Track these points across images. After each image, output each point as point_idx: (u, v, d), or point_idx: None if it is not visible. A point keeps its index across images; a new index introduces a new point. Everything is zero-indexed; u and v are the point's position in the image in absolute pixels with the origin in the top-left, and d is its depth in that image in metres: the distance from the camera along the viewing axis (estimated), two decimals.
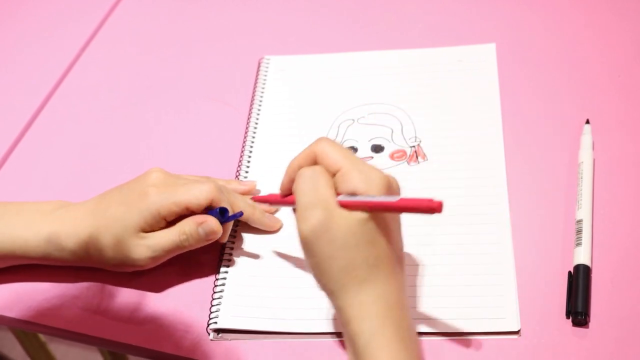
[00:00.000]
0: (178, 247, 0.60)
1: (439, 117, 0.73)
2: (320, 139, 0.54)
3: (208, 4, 0.91)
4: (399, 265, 0.52)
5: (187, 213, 0.59)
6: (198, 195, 0.59)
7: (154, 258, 0.60)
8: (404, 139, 0.71)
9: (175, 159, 0.73)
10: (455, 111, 0.73)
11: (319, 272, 0.51)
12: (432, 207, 0.47)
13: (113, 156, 0.75)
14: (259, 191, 0.67)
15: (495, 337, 0.57)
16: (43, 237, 0.61)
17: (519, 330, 0.56)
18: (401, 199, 0.49)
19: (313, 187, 0.51)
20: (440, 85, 0.76)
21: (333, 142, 0.54)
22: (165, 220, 0.59)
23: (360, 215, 0.50)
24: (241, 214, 0.61)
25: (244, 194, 0.66)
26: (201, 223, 0.59)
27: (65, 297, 0.63)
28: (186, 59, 0.85)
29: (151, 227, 0.59)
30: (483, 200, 0.65)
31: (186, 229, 0.59)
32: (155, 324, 0.61)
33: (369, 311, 0.49)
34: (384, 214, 0.51)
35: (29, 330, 0.94)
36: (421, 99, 0.75)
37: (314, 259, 0.51)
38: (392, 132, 0.72)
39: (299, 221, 0.50)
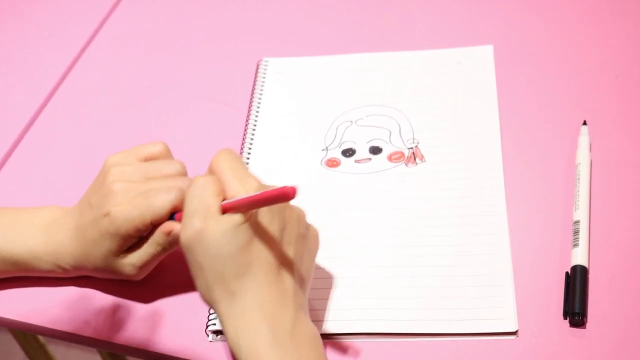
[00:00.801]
0: (158, 256, 0.60)
1: (436, 119, 0.73)
2: (220, 150, 0.55)
3: (207, 6, 0.91)
4: (281, 265, 0.52)
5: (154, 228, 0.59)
6: (160, 211, 0.58)
7: (141, 269, 0.61)
8: (402, 140, 0.71)
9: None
10: (453, 113, 0.73)
11: (196, 280, 0.53)
12: (285, 193, 0.48)
13: None
14: None
15: (493, 337, 0.57)
16: (40, 256, 0.62)
17: (516, 331, 0.57)
18: (262, 192, 0.50)
19: (199, 195, 0.52)
20: (438, 87, 0.76)
21: (229, 153, 0.55)
22: (136, 237, 0.59)
23: (234, 219, 0.50)
24: None
25: None
26: (168, 232, 0.59)
27: (64, 300, 0.63)
28: (185, 61, 0.85)
29: (127, 246, 0.60)
30: (481, 201, 0.65)
31: (158, 240, 0.59)
32: (154, 326, 0.61)
33: (242, 324, 0.51)
34: (259, 220, 0.51)
35: (28, 332, 0.94)
36: (419, 100, 0.75)
37: (192, 268, 0.52)
38: (390, 133, 0.72)
39: (181, 230, 0.52)
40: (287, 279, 0.53)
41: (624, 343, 0.55)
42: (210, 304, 0.53)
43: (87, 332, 0.61)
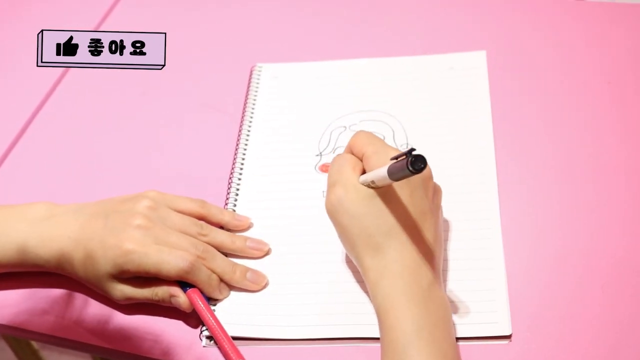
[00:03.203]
0: (150, 301, 0.61)
1: (430, 124, 0.73)
2: (356, 132, 0.61)
3: (200, 12, 0.92)
4: (421, 232, 0.56)
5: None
6: (168, 271, 0.59)
7: (129, 300, 0.61)
8: (396, 145, 0.72)
9: (169, 165, 0.74)
10: (447, 118, 0.74)
11: (342, 240, 0.58)
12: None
13: (107, 163, 0.75)
14: (252, 225, 0.67)
15: (487, 342, 0.57)
16: (31, 254, 0.61)
17: (510, 335, 0.57)
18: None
19: (337, 170, 0.58)
20: (432, 92, 0.76)
21: (365, 133, 0.60)
22: (134, 274, 0.60)
23: (369, 191, 0.56)
24: (207, 299, 0.61)
25: (236, 229, 0.66)
26: (173, 295, 0.60)
27: (56, 305, 0.63)
28: (179, 66, 0.85)
29: (123, 276, 0.60)
30: (474, 206, 0.65)
31: (159, 293, 0.60)
32: (147, 331, 0.61)
33: (383, 275, 0.55)
34: (397, 188, 0.56)
35: (19, 337, 0.94)
36: (413, 105, 0.75)
37: (337, 229, 0.58)
38: (384, 138, 0.72)
39: (325, 198, 0.59)
40: (428, 242, 0.56)
41: (621, 347, 0.55)
42: (355, 258, 0.57)
43: (80, 338, 0.61)
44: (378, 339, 0.57)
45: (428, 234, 0.56)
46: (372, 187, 0.56)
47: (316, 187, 0.69)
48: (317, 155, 0.72)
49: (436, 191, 0.59)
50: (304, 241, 0.65)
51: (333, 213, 0.58)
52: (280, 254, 0.65)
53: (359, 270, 0.58)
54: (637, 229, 0.62)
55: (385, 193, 0.56)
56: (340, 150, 0.72)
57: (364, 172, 0.58)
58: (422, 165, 0.49)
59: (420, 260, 0.55)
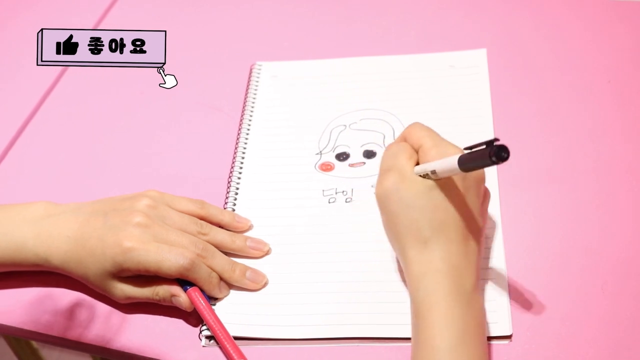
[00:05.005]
0: (150, 300, 0.61)
1: (430, 122, 0.72)
2: (412, 123, 0.59)
3: (200, 11, 0.91)
4: (469, 233, 0.55)
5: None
6: (168, 268, 0.59)
7: (129, 299, 0.61)
8: None
9: (168, 164, 0.73)
10: (447, 116, 0.73)
11: (388, 228, 0.57)
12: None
13: (106, 162, 0.75)
14: (252, 227, 0.67)
15: (488, 342, 0.57)
16: (31, 253, 0.61)
17: (511, 335, 0.57)
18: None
19: (393, 156, 0.57)
20: (432, 91, 0.76)
21: (422, 124, 0.59)
22: (134, 273, 0.60)
23: (428, 182, 0.54)
24: (208, 298, 0.60)
25: (236, 230, 0.66)
26: (174, 295, 0.60)
27: (56, 305, 0.63)
28: (178, 65, 0.84)
29: (126, 275, 0.60)
30: None
31: (160, 292, 0.60)
32: (147, 331, 0.61)
33: (427, 270, 0.53)
34: (456, 184, 0.54)
35: (20, 337, 0.94)
36: (413, 104, 0.75)
37: (384, 217, 0.57)
38: (384, 137, 0.72)
39: (377, 183, 0.57)
40: (475, 245, 0.55)
41: (620, 348, 0.55)
42: (399, 248, 0.56)
43: (80, 337, 0.61)
44: (377, 339, 0.57)
45: (474, 236, 0.55)
46: (428, 178, 0.54)
47: (316, 186, 0.69)
48: (317, 154, 0.72)
49: (486, 195, 0.58)
50: (304, 241, 0.65)
51: (383, 199, 0.56)
52: (280, 254, 0.64)
53: (400, 261, 0.57)
54: (638, 229, 0.62)
55: (443, 187, 0.54)
56: (340, 149, 0.72)
57: (417, 164, 0.56)
58: (506, 155, 0.47)
59: (466, 262, 0.54)
